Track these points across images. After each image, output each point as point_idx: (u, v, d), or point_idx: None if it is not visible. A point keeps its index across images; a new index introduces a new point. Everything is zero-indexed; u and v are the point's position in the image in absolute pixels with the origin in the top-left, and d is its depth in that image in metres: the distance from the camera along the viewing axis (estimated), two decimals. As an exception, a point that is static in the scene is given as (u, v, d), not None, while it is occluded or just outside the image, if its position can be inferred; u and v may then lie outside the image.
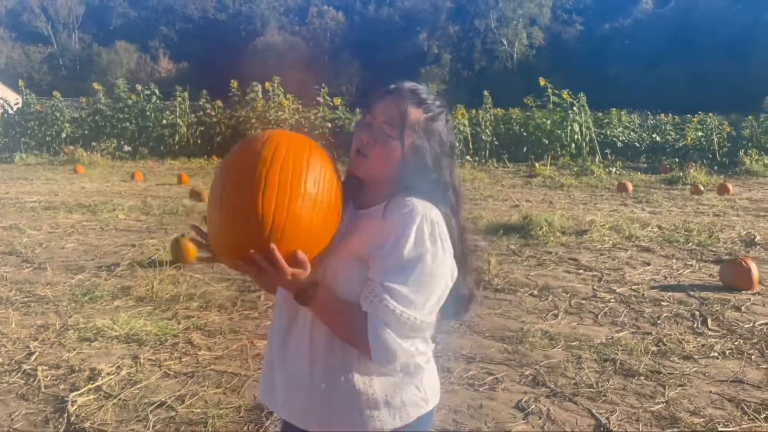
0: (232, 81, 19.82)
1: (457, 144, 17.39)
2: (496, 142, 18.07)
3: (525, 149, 17.55)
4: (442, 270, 1.33)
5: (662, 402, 2.95)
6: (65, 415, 2.79)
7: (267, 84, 19.49)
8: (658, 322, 4.08)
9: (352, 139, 1.45)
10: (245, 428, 2.73)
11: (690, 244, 6.38)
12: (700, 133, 18.05)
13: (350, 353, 1.37)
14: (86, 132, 20.26)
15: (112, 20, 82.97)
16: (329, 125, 18.56)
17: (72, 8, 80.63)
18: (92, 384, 3.08)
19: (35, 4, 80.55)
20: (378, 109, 1.42)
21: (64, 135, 20.12)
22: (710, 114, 19.49)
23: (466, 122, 17.69)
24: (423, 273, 1.30)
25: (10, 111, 20.68)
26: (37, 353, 3.46)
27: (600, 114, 20.24)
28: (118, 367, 3.29)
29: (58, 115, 20.25)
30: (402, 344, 1.31)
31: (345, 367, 1.38)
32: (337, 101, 19.36)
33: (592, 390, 3.07)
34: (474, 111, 18.96)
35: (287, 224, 1.22)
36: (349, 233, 1.41)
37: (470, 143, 17.60)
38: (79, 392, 2.99)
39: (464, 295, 1.47)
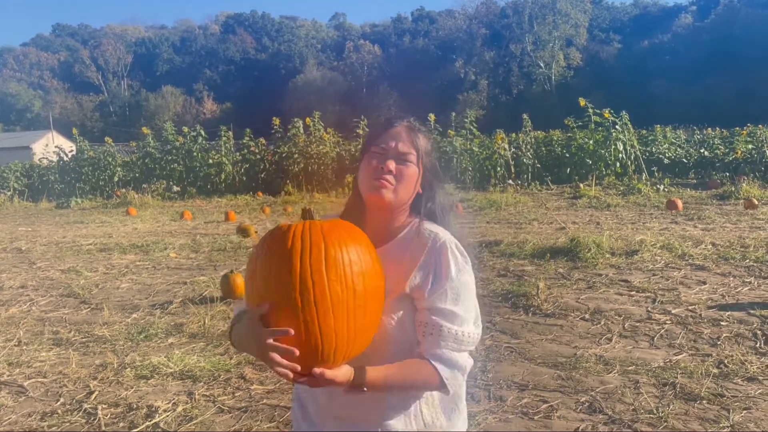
0: (274, 118, 20.35)
1: (499, 168, 17.34)
2: (538, 165, 17.92)
3: (568, 170, 17.33)
4: (473, 283, 1.44)
5: (727, 427, 2.83)
6: (125, 452, 2.86)
7: (308, 119, 19.92)
8: (718, 342, 3.93)
9: (362, 172, 1.47)
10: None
11: (747, 260, 6.15)
12: (750, 146, 17.51)
13: (413, 395, 1.42)
14: (137, 175, 21.02)
15: (158, 66, 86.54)
16: (369, 156, 18.78)
17: (120, 57, 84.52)
18: (150, 421, 3.15)
19: (86, 56, 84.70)
20: (389, 137, 1.46)
21: (116, 179, 20.93)
22: (760, 126, 18.94)
23: (507, 146, 17.63)
24: (465, 289, 1.40)
25: (66, 158, 21.66)
26: (96, 392, 3.56)
27: (644, 131, 19.89)
28: (174, 403, 3.36)
29: (110, 159, 21.10)
30: (464, 360, 1.39)
31: (414, 405, 1.42)
32: (377, 132, 19.60)
33: (652, 416, 2.97)
34: (514, 135, 18.90)
35: (338, 347, 1.23)
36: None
37: (512, 167, 17.51)
38: (138, 430, 3.06)
39: None
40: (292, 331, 1.19)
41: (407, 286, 1.39)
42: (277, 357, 1.20)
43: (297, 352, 1.19)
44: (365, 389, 1.29)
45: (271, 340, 1.20)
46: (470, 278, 1.42)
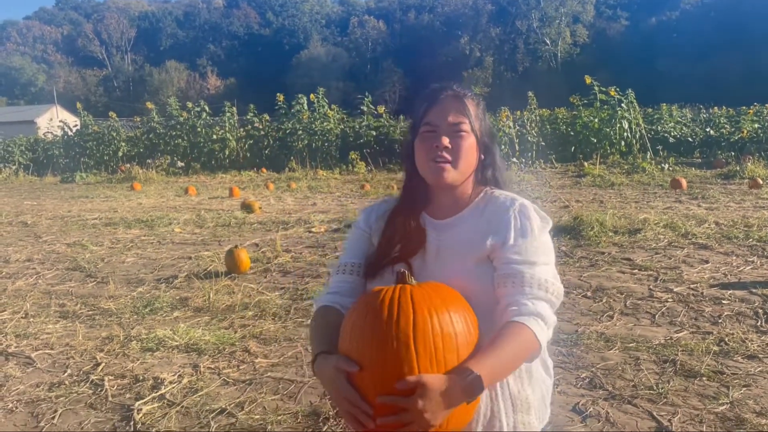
0: (278, 94, 20.26)
1: (503, 147, 17.26)
2: (543, 143, 17.83)
3: (573, 149, 17.26)
4: (551, 244, 1.42)
5: (726, 403, 2.86)
6: (131, 422, 2.90)
7: (312, 96, 19.82)
8: (719, 321, 3.96)
9: (418, 155, 1.41)
10: (303, 433, 2.78)
11: (750, 240, 6.15)
12: (756, 125, 17.37)
13: None
14: (141, 150, 21.01)
15: (162, 41, 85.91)
16: (374, 133, 18.70)
17: (124, 32, 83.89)
18: (156, 393, 3.19)
19: (89, 30, 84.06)
20: (436, 112, 1.39)
21: (120, 153, 20.93)
22: (766, 105, 18.77)
23: (511, 123, 17.51)
24: (545, 247, 1.39)
25: (70, 133, 21.65)
26: (103, 364, 3.61)
27: (650, 110, 19.74)
28: (180, 375, 3.40)
29: (114, 134, 21.08)
30: (550, 314, 1.35)
31: None
32: (381, 109, 19.51)
33: (652, 392, 3.00)
34: (519, 112, 18.77)
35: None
36: (455, 248, 1.39)
37: (516, 145, 17.42)
38: (144, 401, 3.10)
39: None
40: (371, 411, 1.14)
41: (487, 246, 1.35)
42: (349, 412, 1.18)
43: (371, 425, 1.15)
44: (477, 379, 1.13)
45: (348, 403, 1.17)
46: (550, 239, 1.41)
